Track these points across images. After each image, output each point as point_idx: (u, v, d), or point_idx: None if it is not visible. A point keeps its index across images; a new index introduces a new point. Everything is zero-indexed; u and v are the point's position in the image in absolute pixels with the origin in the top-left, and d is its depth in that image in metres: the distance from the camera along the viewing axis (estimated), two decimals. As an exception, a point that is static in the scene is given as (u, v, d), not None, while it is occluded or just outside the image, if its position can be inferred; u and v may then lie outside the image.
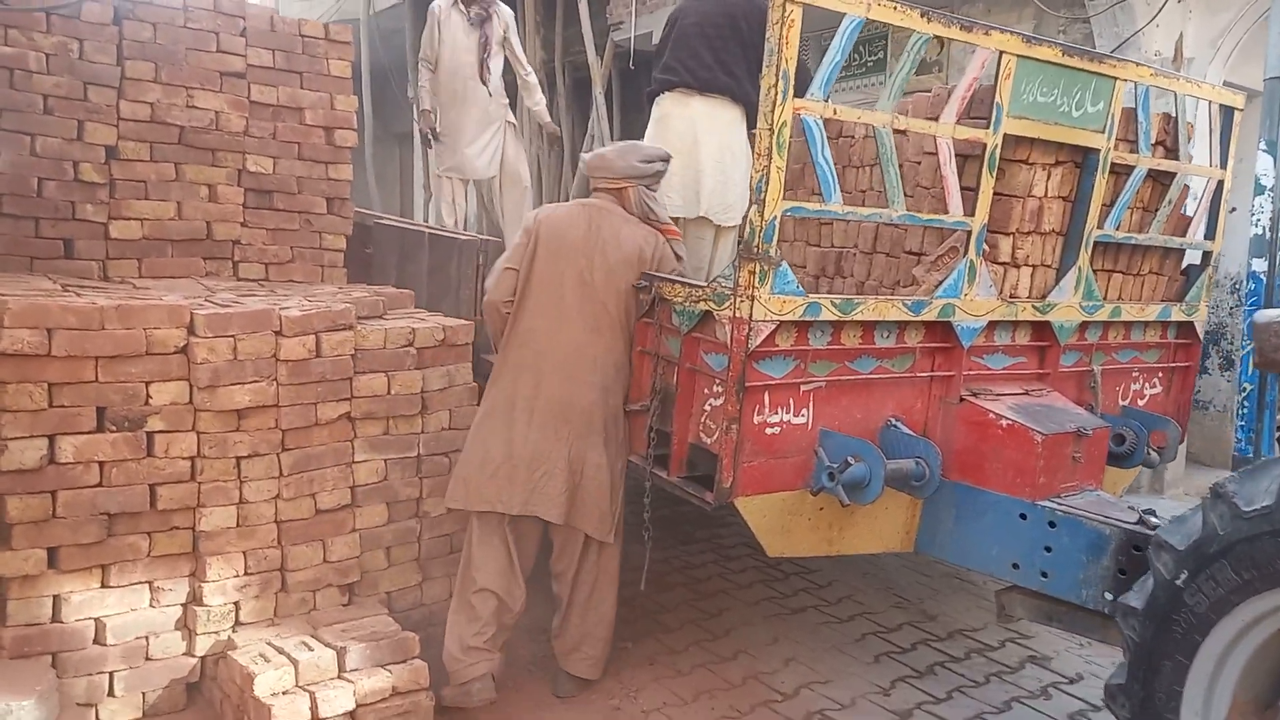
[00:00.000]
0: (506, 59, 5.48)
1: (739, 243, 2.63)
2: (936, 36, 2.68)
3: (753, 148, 2.60)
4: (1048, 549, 2.73)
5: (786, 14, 2.40)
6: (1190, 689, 2.08)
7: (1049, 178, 3.07)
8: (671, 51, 3.87)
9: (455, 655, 2.96)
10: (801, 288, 2.63)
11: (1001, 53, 2.76)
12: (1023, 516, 2.79)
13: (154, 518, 2.74)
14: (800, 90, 2.49)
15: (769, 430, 2.72)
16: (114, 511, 2.67)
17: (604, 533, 3.01)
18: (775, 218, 2.52)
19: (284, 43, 3.86)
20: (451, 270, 4.07)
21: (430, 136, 5.47)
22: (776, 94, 2.43)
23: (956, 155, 2.84)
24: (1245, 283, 5.34)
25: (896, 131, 2.73)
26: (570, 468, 2.94)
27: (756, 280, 2.53)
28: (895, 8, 2.58)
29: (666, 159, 3.26)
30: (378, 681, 2.68)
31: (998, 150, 2.85)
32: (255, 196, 3.84)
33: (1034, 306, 3.12)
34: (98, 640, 2.68)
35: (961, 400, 2.98)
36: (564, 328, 3.00)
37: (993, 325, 3.06)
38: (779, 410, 2.74)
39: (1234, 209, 3.74)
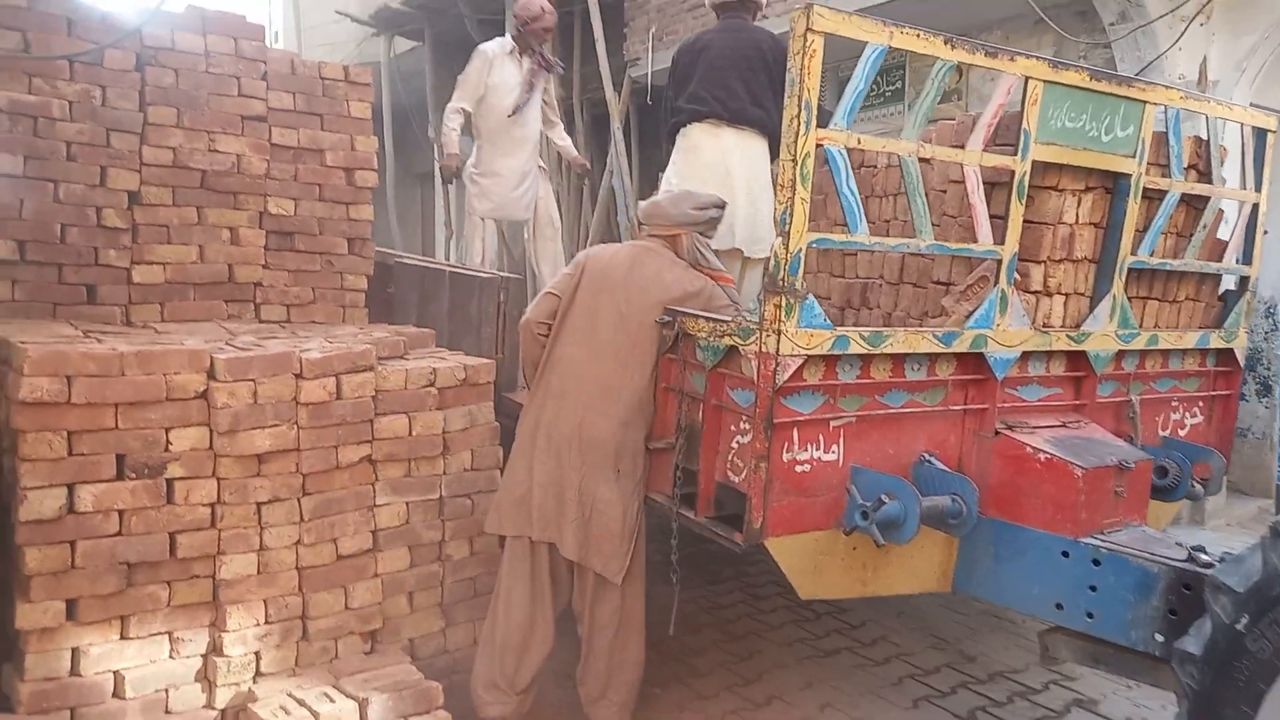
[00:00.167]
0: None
1: (765, 275, 2.58)
2: (958, 64, 2.63)
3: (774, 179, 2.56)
4: (1092, 588, 2.62)
5: (808, 44, 2.36)
6: (1255, 739, 1.97)
7: (1079, 204, 3.00)
8: (701, 82, 3.85)
9: (477, 690, 2.99)
10: (829, 321, 2.57)
11: (1028, 78, 2.71)
12: (1065, 554, 2.68)
13: (174, 566, 2.70)
14: (820, 125, 2.45)
15: (799, 468, 2.64)
16: (133, 561, 2.63)
17: (612, 572, 2.92)
18: (800, 250, 2.47)
19: (305, 85, 3.88)
20: (472, 309, 4.05)
21: (453, 178, 5.48)
22: (799, 124, 2.39)
23: (984, 183, 2.78)
24: (1280, 306, 5.22)
25: (920, 160, 2.68)
26: (580, 499, 2.91)
27: (783, 314, 2.47)
28: (919, 35, 2.53)
29: (721, 205, 3.23)
30: (400, 733, 2.61)
31: (1026, 177, 2.79)
32: (276, 238, 3.84)
33: (1068, 336, 3.04)
34: (117, 694, 2.63)
35: (997, 434, 2.89)
36: (593, 358, 2.99)
37: (1026, 356, 2.98)
38: (808, 447, 2.66)
39: (1266, 231, 3.65)
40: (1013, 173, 2.76)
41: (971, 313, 2.82)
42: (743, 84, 3.75)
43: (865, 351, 2.62)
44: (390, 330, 3.65)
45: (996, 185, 2.87)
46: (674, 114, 4.09)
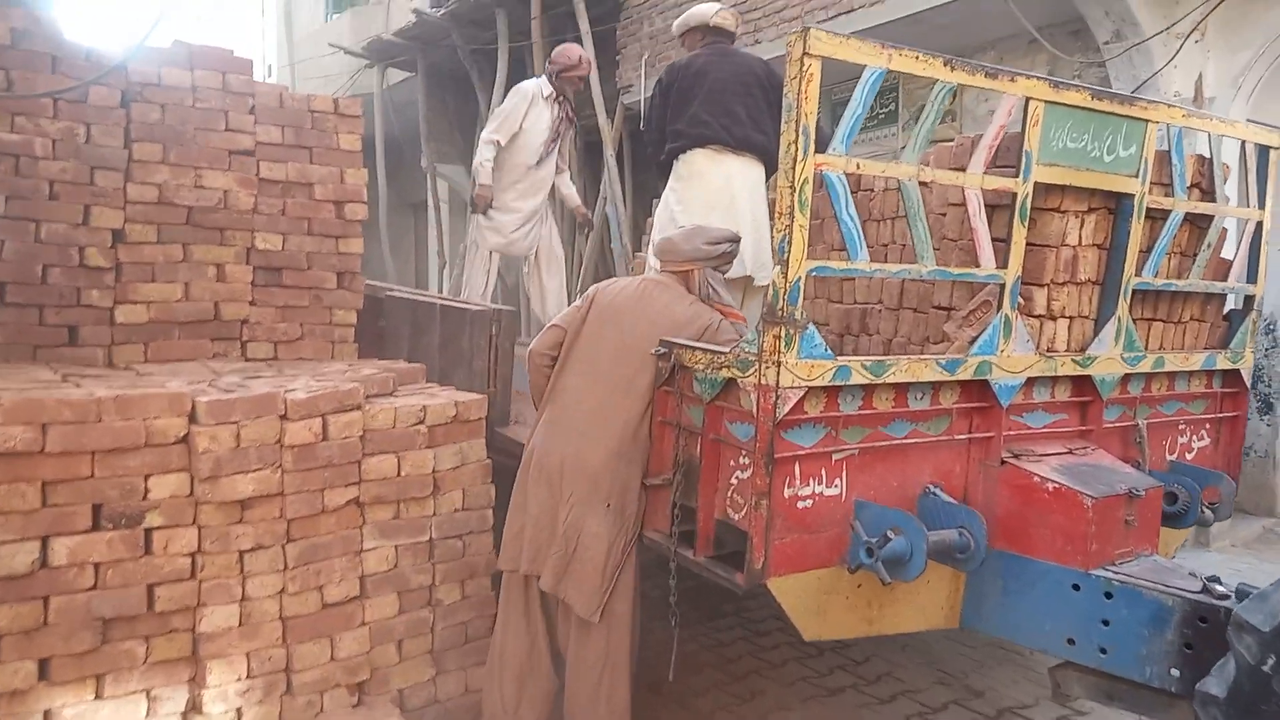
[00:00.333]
0: None
1: (763, 305, 2.50)
2: (957, 85, 2.57)
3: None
4: (1105, 622, 2.53)
5: (805, 68, 2.30)
6: (1286, 786, 1.87)
7: (1082, 225, 2.93)
8: (703, 105, 3.80)
9: None
10: (830, 350, 2.49)
11: (1029, 99, 2.65)
12: (1075, 587, 2.59)
13: (151, 620, 2.59)
14: (818, 150, 2.38)
15: (801, 503, 2.55)
16: (109, 616, 2.52)
17: (588, 610, 2.80)
18: (800, 278, 2.40)
19: (293, 118, 3.82)
20: (464, 342, 3.97)
21: (487, 208, 5.51)
22: (797, 150, 2.32)
23: (984, 205, 2.71)
24: (1283, 324, 5.15)
25: (920, 184, 2.62)
26: (566, 531, 2.83)
27: (783, 345, 2.39)
28: (918, 57, 2.47)
29: (735, 240, 3.18)
30: (390, 791, 2.49)
31: (1029, 199, 2.72)
32: (264, 274, 3.77)
33: (1074, 360, 2.96)
34: (92, 757, 2.52)
35: (1003, 463, 2.80)
36: (592, 388, 2.94)
37: (1031, 382, 2.90)
38: (810, 482, 2.57)
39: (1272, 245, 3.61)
40: (1014, 195, 2.70)
41: (975, 339, 2.75)
42: (744, 108, 3.71)
43: (868, 381, 2.54)
44: (379, 366, 3.56)
45: (997, 208, 2.80)
46: (673, 137, 4.01)
